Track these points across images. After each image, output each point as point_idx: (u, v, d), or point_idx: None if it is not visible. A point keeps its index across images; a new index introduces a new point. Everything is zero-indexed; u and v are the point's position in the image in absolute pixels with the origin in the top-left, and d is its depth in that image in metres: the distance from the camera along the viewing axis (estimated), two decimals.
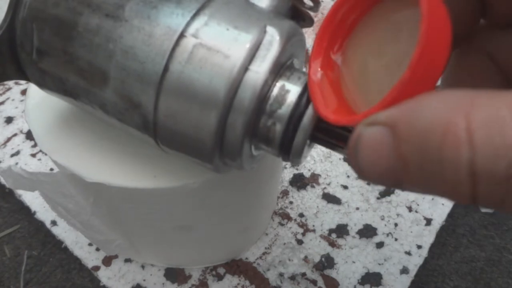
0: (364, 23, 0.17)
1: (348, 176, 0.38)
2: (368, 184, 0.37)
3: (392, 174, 0.12)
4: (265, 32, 0.18)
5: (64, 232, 0.35)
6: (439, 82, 0.18)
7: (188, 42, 0.18)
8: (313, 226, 0.35)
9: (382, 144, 0.12)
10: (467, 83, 0.17)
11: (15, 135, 0.41)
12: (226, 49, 0.17)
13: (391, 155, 0.12)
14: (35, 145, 0.40)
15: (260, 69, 0.17)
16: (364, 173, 0.13)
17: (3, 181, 0.37)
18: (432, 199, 0.36)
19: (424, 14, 0.12)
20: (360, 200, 0.36)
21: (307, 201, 0.36)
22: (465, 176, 0.11)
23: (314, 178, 0.37)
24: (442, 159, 0.11)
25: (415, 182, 0.12)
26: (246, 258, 0.33)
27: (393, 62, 0.15)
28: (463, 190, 0.11)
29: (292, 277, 0.32)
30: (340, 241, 0.34)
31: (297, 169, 0.38)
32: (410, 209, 0.35)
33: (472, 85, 0.17)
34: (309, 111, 0.18)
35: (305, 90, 0.18)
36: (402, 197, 0.36)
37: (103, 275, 0.33)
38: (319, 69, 0.17)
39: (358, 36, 0.17)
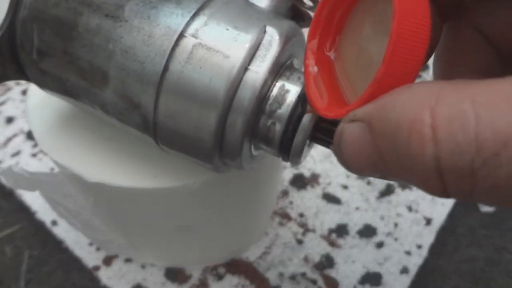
0: (352, 18, 0.16)
1: (348, 176, 0.38)
2: (368, 183, 0.37)
3: (373, 167, 0.13)
4: (264, 32, 0.18)
5: (65, 232, 0.35)
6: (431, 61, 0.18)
7: (188, 42, 0.18)
8: (313, 226, 0.35)
9: (361, 140, 0.13)
10: (459, 60, 0.17)
11: (15, 135, 0.41)
12: (226, 49, 0.17)
13: (370, 150, 0.13)
14: (35, 145, 0.40)
15: (259, 69, 0.17)
16: (349, 167, 0.14)
17: (4, 181, 0.37)
18: (432, 199, 0.36)
19: (395, 7, 0.12)
20: (360, 200, 0.36)
21: (307, 201, 0.36)
22: (432, 172, 0.11)
23: (314, 178, 0.37)
24: (410, 155, 0.11)
25: (395, 175, 0.12)
26: (246, 258, 0.33)
27: (378, 56, 0.14)
28: (434, 184, 0.11)
29: (292, 277, 0.32)
30: (340, 241, 0.34)
31: (297, 169, 0.38)
32: (410, 209, 0.35)
33: (464, 63, 0.17)
34: None
35: None
36: (402, 197, 0.36)
37: (103, 275, 0.33)
38: (314, 65, 0.17)
39: (348, 32, 0.17)
